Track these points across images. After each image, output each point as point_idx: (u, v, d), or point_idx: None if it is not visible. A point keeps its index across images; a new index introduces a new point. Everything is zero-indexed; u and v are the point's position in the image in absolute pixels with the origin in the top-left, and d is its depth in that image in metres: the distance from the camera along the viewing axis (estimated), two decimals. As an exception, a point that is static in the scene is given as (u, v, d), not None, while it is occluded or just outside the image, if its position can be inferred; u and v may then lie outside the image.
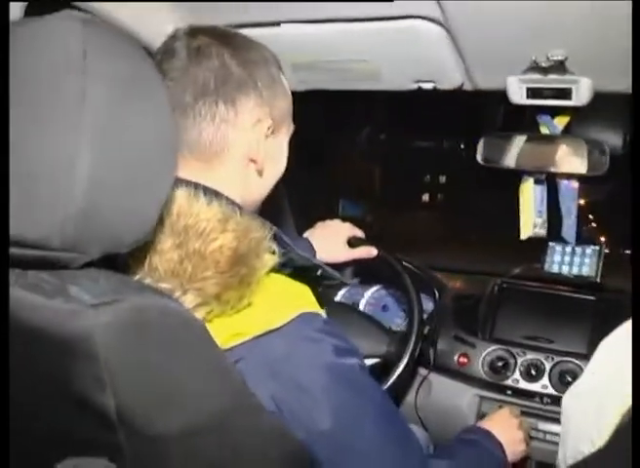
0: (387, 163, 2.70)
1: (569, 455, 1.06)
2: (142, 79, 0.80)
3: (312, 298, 1.06)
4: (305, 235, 1.79)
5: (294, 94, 1.20)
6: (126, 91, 0.76)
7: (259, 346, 0.95)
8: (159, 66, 1.05)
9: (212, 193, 1.02)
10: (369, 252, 1.75)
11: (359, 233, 1.82)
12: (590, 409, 0.97)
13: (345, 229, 1.81)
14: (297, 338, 0.98)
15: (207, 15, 1.39)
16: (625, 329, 0.98)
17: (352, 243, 1.78)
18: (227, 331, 0.94)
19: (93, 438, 0.79)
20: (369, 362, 1.63)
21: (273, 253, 1.02)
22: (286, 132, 1.19)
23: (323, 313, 1.06)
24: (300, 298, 1.04)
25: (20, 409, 0.79)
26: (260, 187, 1.17)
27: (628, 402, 0.84)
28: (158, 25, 1.39)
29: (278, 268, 1.05)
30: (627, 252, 2.36)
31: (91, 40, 0.73)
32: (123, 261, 0.91)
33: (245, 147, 1.10)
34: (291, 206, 2.11)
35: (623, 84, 1.47)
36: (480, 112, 2.20)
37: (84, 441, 0.80)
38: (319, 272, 1.24)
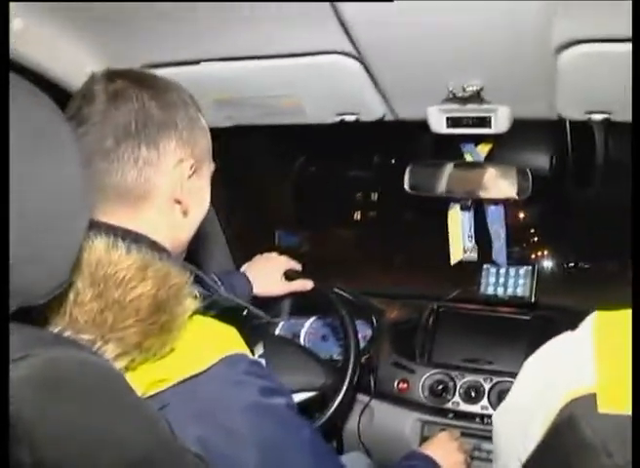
0: (320, 192, 2.71)
1: None
2: (49, 129, 0.80)
3: (238, 339, 1.06)
4: (242, 269, 1.79)
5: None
6: (36, 143, 0.76)
7: (183, 391, 0.94)
8: (78, 111, 1.05)
9: (132, 239, 1.01)
10: (304, 285, 1.77)
11: (296, 266, 1.83)
12: (517, 427, 0.99)
13: (282, 262, 1.83)
14: (221, 382, 0.98)
15: (125, 54, 1.39)
16: (546, 348, 1.00)
17: (289, 275, 1.79)
18: (150, 377, 0.93)
19: None
20: (306, 395, 1.64)
21: (195, 297, 1.01)
22: (207, 170, 1.18)
23: (249, 354, 1.05)
24: (224, 341, 1.03)
25: None
26: (186, 227, 1.16)
27: (551, 418, 0.86)
28: (75, 65, 1.39)
29: (203, 310, 1.04)
30: (558, 267, 2.41)
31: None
32: (41, 314, 0.90)
33: (169, 189, 1.09)
34: (228, 239, 2.11)
35: (541, 111, 1.51)
36: (405, 141, 2.24)
37: None
38: (245, 312, 1.24)
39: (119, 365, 0.90)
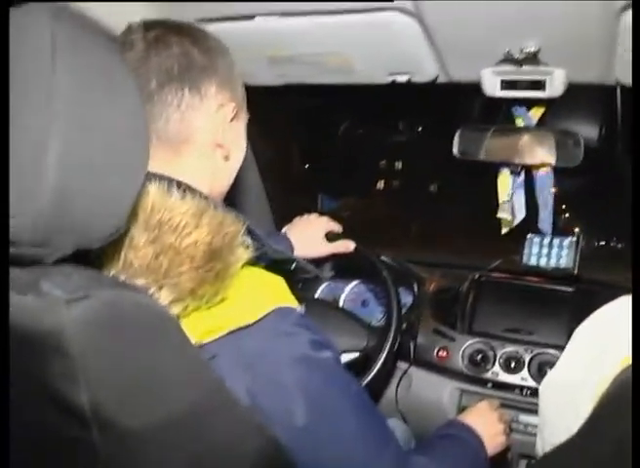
0: (366, 157, 2.69)
1: (547, 445, 1.06)
2: (111, 68, 0.79)
3: (287, 291, 1.06)
4: (283, 231, 1.79)
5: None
6: (94, 81, 0.76)
7: (233, 342, 0.95)
8: None
9: (185, 187, 1.02)
10: (347, 246, 1.76)
11: (337, 228, 1.82)
12: (566, 399, 0.98)
13: (323, 224, 1.81)
14: (272, 333, 0.98)
15: (178, 8, 1.38)
16: (595, 317, 0.99)
17: (330, 238, 1.78)
18: (202, 326, 0.94)
19: (67, 435, 0.78)
20: (349, 356, 1.64)
21: (247, 247, 1.01)
22: (244, 118, 1.20)
23: (298, 306, 1.05)
24: (275, 292, 1.03)
25: None
26: (226, 172, 1.18)
27: (602, 389, 0.84)
28: (129, 19, 1.37)
29: (253, 262, 1.04)
30: (603, 243, 2.37)
31: (60, 31, 0.72)
32: (97, 258, 0.90)
33: (211, 132, 1.10)
34: (270, 202, 2.10)
35: (598, 75, 1.48)
36: (455, 105, 2.20)
37: (59, 438, 0.80)
38: (293, 265, 1.24)
39: (172, 311, 0.91)
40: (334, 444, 1.02)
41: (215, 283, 0.94)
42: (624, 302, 0.93)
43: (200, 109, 1.08)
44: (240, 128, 1.18)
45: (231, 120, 1.13)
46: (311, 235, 1.78)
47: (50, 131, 0.70)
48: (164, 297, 0.91)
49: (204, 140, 1.10)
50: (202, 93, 1.08)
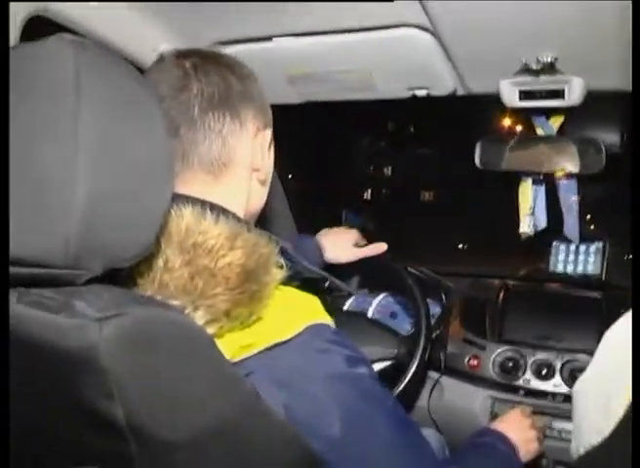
0: (387, 171, 2.71)
1: (581, 447, 1.06)
2: (135, 97, 0.82)
3: (321, 309, 1.06)
4: (313, 236, 1.80)
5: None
6: (119, 108, 0.78)
7: (268, 358, 0.96)
8: (157, 86, 1.07)
9: (219, 210, 1.03)
10: (379, 248, 1.78)
11: (364, 242, 1.84)
12: (598, 400, 0.98)
13: (354, 235, 1.83)
14: (307, 350, 0.99)
15: (197, 31, 1.42)
16: (626, 318, 0.99)
17: (359, 247, 1.80)
18: (237, 344, 0.95)
19: (104, 449, 0.80)
20: (380, 365, 1.65)
21: (281, 267, 1.02)
22: (272, 140, 1.22)
23: (332, 323, 1.06)
24: (308, 310, 1.04)
25: (30, 425, 0.81)
26: (260, 196, 1.20)
27: (631, 394, 0.85)
28: (146, 44, 1.42)
29: (286, 280, 1.05)
30: (628, 249, 2.36)
31: (83, 61, 0.76)
32: (132, 279, 0.92)
33: (249, 157, 1.12)
34: (295, 217, 2.12)
35: (616, 82, 1.48)
36: (475, 116, 2.22)
37: (96, 453, 0.82)
38: (327, 283, 1.25)
39: (208, 331, 0.91)
40: (371, 456, 1.02)
41: (249, 304, 0.95)
42: None
43: (240, 135, 1.10)
44: (272, 152, 1.21)
45: (269, 145, 1.16)
46: (342, 241, 1.80)
47: (77, 157, 0.72)
48: (199, 318, 0.92)
49: (242, 165, 1.12)
50: (242, 118, 1.10)
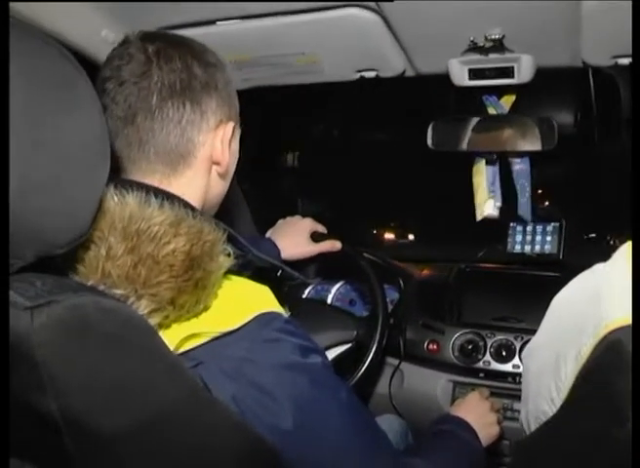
0: (342, 157, 2.69)
1: (530, 414, 1.06)
2: (68, 80, 0.79)
3: (272, 298, 1.05)
4: (268, 234, 1.78)
5: (242, 93, 1.20)
6: (51, 91, 0.75)
7: (217, 348, 0.94)
8: (118, 71, 1.04)
9: (164, 196, 1.00)
10: (333, 245, 1.75)
11: (321, 228, 1.82)
12: (547, 366, 0.97)
13: (307, 225, 1.80)
14: (256, 340, 0.97)
15: (140, 16, 1.37)
16: (575, 283, 0.98)
17: (315, 238, 1.78)
18: (184, 333, 0.93)
19: (42, 442, 0.79)
20: (340, 349, 1.65)
21: (229, 255, 1.00)
22: (238, 133, 1.19)
23: (283, 312, 1.04)
24: (258, 299, 1.02)
25: None
26: (220, 190, 1.17)
27: (587, 353, 0.84)
28: (90, 30, 1.38)
29: (238, 270, 1.03)
30: (585, 228, 2.37)
31: (16, 43, 0.72)
32: (73, 268, 0.90)
33: (209, 149, 1.10)
34: (250, 207, 2.10)
35: (566, 58, 1.48)
36: (426, 97, 2.21)
37: (34, 448, 0.80)
38: (279, 273, 1.23)
39: (153, 321, 0.90)
40: (324, 448, 1.01)
41: (194, 292, 0.93)
42: (602, 270, 0.92)
43: (200, 125, 1.08)
44: (236, 145, 1.18)
45: (231, 137, 1.13)
46: (296, 236, 1.76)
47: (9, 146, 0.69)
48: (144, 307, 0.90)
49: (201, 157, 1.09)
50: (203, 109, 1.07)
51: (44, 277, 0.79)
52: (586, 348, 0.84)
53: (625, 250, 0.88)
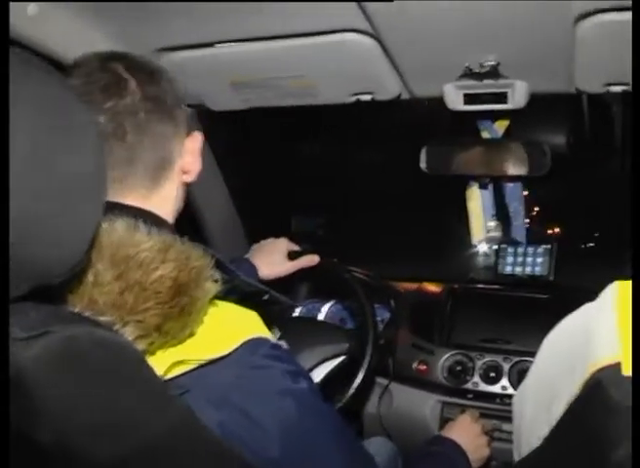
0: (336, 176, 2.70)
1: (522, 453, 1.06)
2: (67, 109, 0.79)
3: (260, 323, 1.04)
4: (246, 256, 1.77)
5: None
6: (51, 122, 0.75)
7: (203, 376, 0.94)
8: (97, 91, 1.05)
9: (153, 220, 1.01)
10: (311, 259, 1.76)
11: (296, 247, 1.82)
12: (540, 405, 0.98)
13: (283, 244, 1.80)
14: (244, 366, 0.96)
15: (139, 37, 1.39)
16: (567, 321, 0.99)
17: (292, 256, 1.78)
18: (170, 360, 0.92)
19: None
20: (335, 361, 1.66)
21: (216, 281, 0.99)
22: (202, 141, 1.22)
23: (271, 337, 1.04)
24: (245, 324, 1.02)
25: None
26: (183, 198, 1.19)
27: (576, 392, 0.85)
28: (89, 50, 1.38)
29: (224, 295, 1.03)
30: (577, 249, 2.39)
31: (17, 72, 0.72)
32: (60, 295, 0.89)
33: (180, 160, 1.13)
34: (244, 226, 2.10)
35: (559, 84, 1.49)
36: (421, 121, 2.22)
37: None
38: (266, 297, 1.23)
39: (138, 347, 0.89)
40: None
41: (180, 318, 0.92)
42: (590, 309, 0.93)
43: (174, 138, 1.11)
44: (200, 154, 1.20)
45: (200, 145, 1.16)
46: (273, 255, 1.77)
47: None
48: (129, 334, 0.89)
49: (176, 168, 1.12)
50: (177, 121, 1.11)
51: (38, 307, 0.79)
52: (575, 386, 0.85)
53: (613, 288, 0.88)
